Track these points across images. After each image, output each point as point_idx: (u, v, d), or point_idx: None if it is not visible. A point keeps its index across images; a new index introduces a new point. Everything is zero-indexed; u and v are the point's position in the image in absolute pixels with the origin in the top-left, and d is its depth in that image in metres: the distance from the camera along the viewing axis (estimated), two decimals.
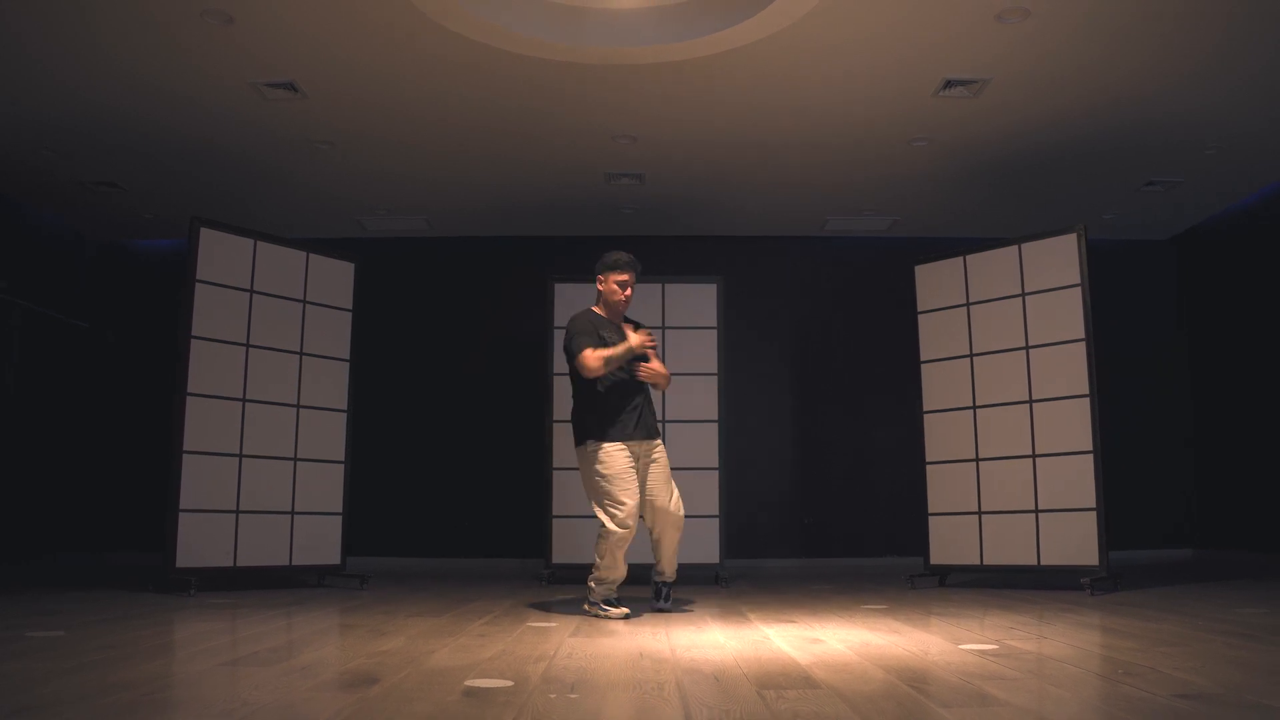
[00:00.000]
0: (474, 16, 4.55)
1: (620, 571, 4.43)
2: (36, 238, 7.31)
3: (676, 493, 4.54)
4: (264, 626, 3.89)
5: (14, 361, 6.87)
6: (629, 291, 4.59)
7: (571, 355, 4.46)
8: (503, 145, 6.11)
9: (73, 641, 3.30)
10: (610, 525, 4.31)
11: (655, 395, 4.80)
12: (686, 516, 4.63)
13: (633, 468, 4.39)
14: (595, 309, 4.65)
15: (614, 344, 4.44)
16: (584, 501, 6.30)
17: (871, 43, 4.81)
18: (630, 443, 4.41)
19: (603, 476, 4.34)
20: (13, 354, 6.86)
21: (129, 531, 7.44)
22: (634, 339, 4.42)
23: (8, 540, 6.84)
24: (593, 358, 4.38)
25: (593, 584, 4.45)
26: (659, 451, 4.52)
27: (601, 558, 4.38)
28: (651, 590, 4.68)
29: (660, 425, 4.80)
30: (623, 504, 4.31)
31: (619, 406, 4.44)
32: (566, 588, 5.76)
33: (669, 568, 4.61)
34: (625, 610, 4.34)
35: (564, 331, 4.61)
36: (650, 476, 4.47)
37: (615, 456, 4.37)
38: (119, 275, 7.97)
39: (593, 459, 4.38)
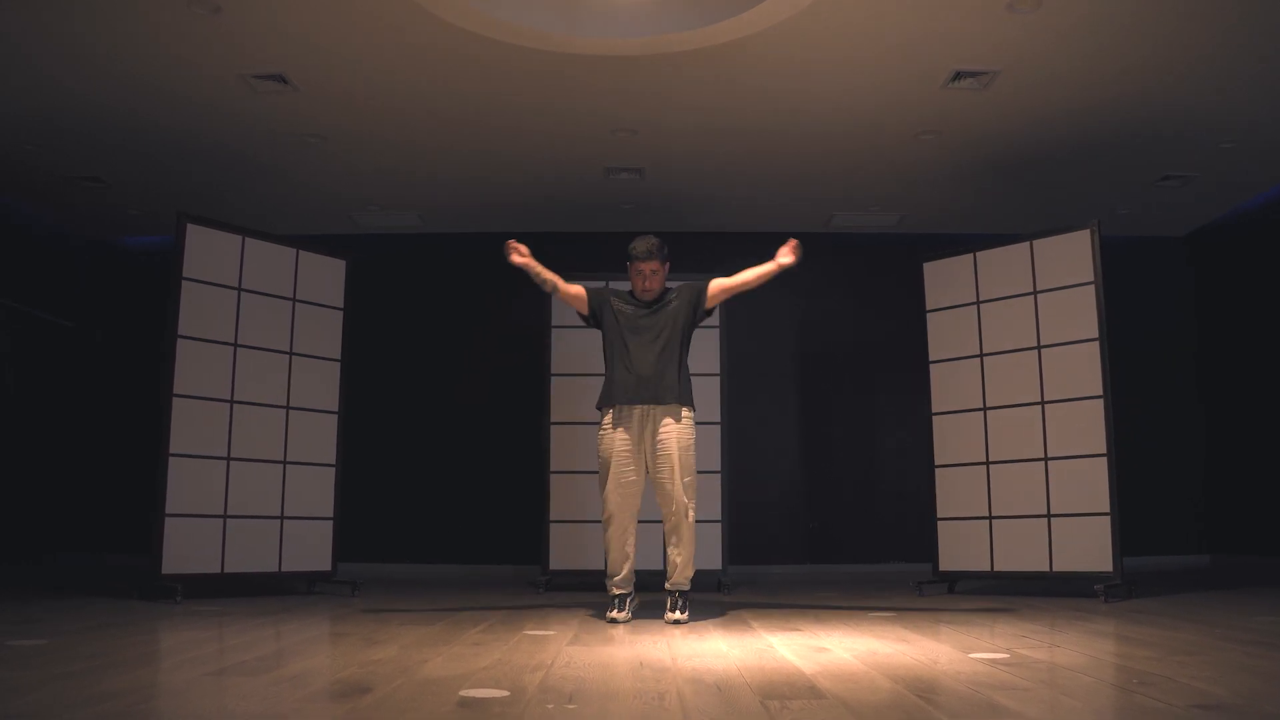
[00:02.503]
0: (469, 6, 4.47)
1: (615, 565, 4.40)
2: (23, 235, 7.24)
3: (681, 476, 4.35)
4: (252, 635, 3.81)
5: (11, 361, 6.82)
6: (648, 283, 4.57)
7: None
8: (498, 139, 6.03)
9: (55, 650, 3.23)
10: (603, 512, 4.38)
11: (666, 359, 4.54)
12: None
13: (626, 450, 4.35)
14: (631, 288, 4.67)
15: (626, 315, 4.53)
16: (582, 506, 6.30)
17: (878, 33, 4.73)
18: (622, 409, 4.37)
19: (597, 458, 4.38)
20: (7, 353, 6.81)
21: (127, 533, 7.32)
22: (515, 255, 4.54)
23: (6, 540, 6.80)
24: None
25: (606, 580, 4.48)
26: (667, 423, 4.39)
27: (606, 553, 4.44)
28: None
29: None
30: (605, 494, 4.36)
31: (613, 367, 4.47)
32: (564, 594, 5.67)
33: (675, 569, 4.42)
34: (616, 616, 4.26)
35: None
36: (656, 451, 4.38)
37: (603, 438, 4.41)
38: (109, 273, 7.89)
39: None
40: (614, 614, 4.30)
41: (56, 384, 7.49)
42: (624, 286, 4.77)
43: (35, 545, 7.18)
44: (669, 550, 4.46)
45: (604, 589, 4.56)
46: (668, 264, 4.65)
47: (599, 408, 4.54)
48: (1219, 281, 7.55)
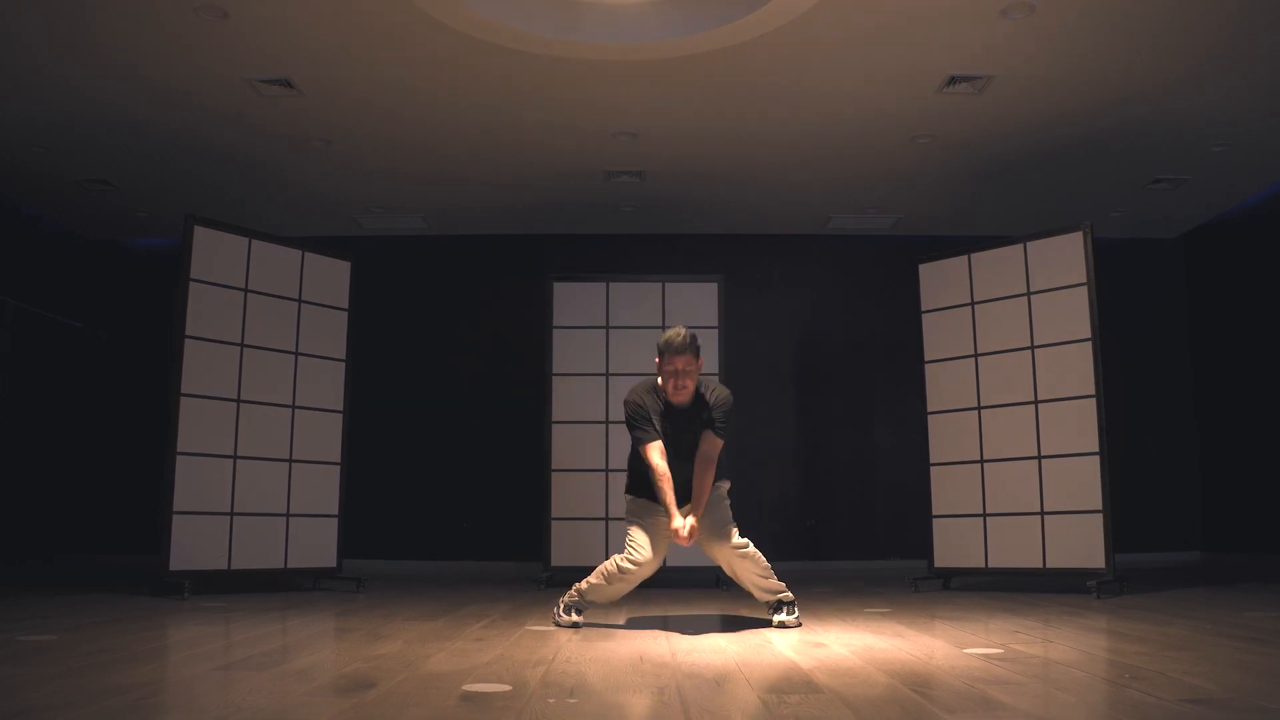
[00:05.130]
0: (472, 12, 4.51)
1: (606, 601, 4.13)
2: (31, 236, 7.29)
3: (728, 535, 4.13)
4: (259, 630, 3.86)
5: (8, 361, 6.85)
6: (681, 383, 3.93)
7: (635, 441, 4.04)
8: (501, 142, 6.08)
9: (64, 645, 3.27)
10: (625, 563, 3.97)
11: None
12: None
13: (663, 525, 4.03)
14: (659, 383, 4.05)
15: (667, 433, 4.05)
16: (583, 503, 6.36)
17: (874, 39, 4.78)
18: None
19: (630, 520, 4.04)
20: (6, 354, 6.84)
21: (125, 533, 7.40)
22: (680, 527, 3.86)
23: (3, 541, 6.82)
24: (653, 459, 3.93)
25: (576, 594, 4.09)
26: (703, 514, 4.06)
27: (603, 580, 4.01)
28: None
29: None
30: (641, 549, 3.96)
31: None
32: (565, 591, 5.66)
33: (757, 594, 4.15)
34: (576, 620, 4.05)
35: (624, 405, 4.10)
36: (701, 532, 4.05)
37: (645, 507, 4.06)
38: (115, 274, 7.94)
39: (628, 507, 4.10)
40: (574, 618, 4.08)
41: (62, 384, 7.53)
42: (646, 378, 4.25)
43: (47, 545, 7.21)
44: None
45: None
46: (701, 360, 4.06)
47: (638, 496, 4.12)
48: (1212, 282, 7.60)
